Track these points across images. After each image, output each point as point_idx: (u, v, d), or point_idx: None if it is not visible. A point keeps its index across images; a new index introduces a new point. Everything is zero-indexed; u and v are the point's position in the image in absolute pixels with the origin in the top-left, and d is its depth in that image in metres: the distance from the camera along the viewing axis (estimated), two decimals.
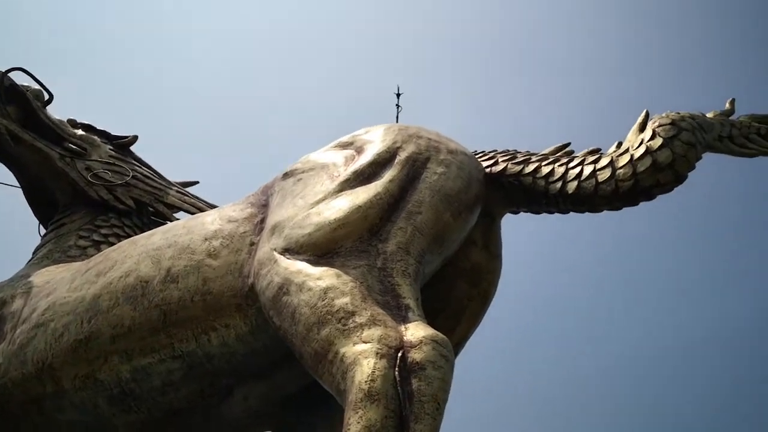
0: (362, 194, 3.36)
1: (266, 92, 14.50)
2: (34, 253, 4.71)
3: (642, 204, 3.57)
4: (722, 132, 3.81)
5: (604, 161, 3.59)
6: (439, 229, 3.40)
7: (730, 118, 3.95)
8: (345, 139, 3.85)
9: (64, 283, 3.89)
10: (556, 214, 3.83)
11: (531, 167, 3.74)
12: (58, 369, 3.56)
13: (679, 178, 3.47)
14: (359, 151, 3.67)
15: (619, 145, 3.68)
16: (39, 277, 4.17)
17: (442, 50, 14.96)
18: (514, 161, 3.82)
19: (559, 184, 3.62)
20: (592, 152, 3.74)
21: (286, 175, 3.74)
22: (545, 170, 3.69)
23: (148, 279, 3.57)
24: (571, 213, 3.75)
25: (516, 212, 4.00)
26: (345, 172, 3.51)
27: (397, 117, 5.60)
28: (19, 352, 3.68)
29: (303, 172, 3.67)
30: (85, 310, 3.61)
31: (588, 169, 3.59)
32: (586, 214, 3.70)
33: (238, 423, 3.73)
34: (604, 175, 3.53)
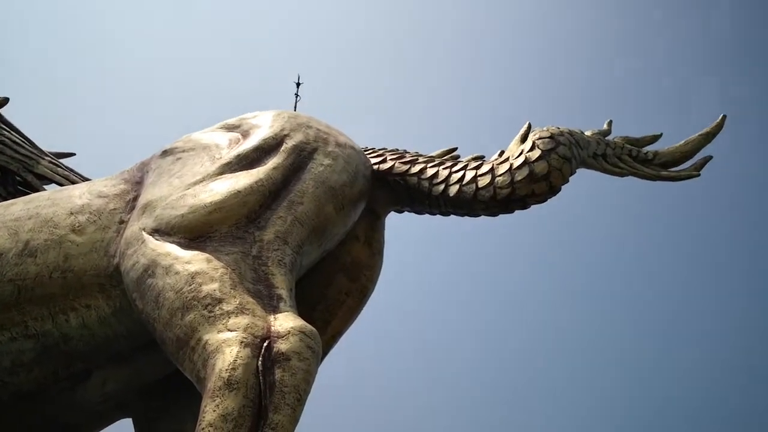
0: (243, 179, 3.28)
1: (161, 75, 13.91)
2: None
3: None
4: (597, 150, 4.03)
5: (485, 168, 3.71)
6: (320, 222, 3.38)
7: (606, 138, 4.20)
8: (232, 121, 3.74)
9: None
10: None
11: (417, 168, 3.80)
12: None
13: (553, 190, 3.64)
14: (245, 135, 3.58)
15: (501, 153, 3.82)
16: None
17: (345, 44, 14.98)
18: (401, 160, 3.87)
19: (441, 187, 3.70)
20: (476, 158, 3.85)
21: (165, 153, 3.58)
22: (430, 172, 3.77)
23: (2, 251, 3.32)
24: (452, 216, 3.86)
25: (400, 211, 4.06)
26: (227, 155, 3.42)
27: (296, 106, 5.52)
28: None
29: (183, 151, 3.53)
30: None
31: (470, 174, 3.70)
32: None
33: (94, 409, 3.53)
34: (484, 181, 3.65)
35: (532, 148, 3.68)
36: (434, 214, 3.89)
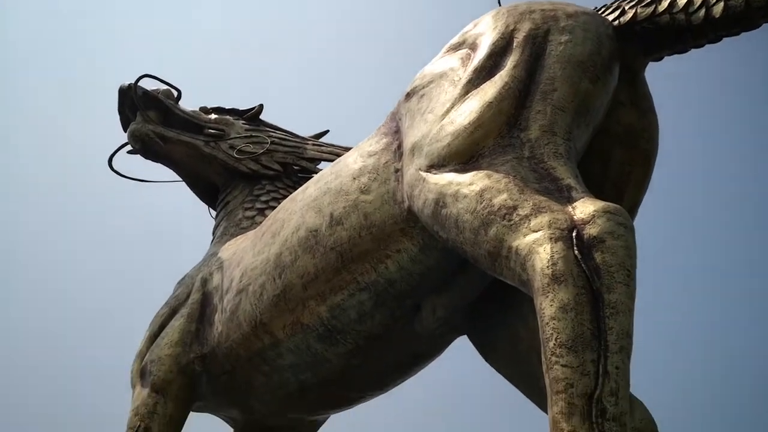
0: (490, 89, 3.27)
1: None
2: (213, 234, 5.24)
3: None
4: None
5: None
6: (580, 101, 3.23)
7: None
8: (455, 40, 3.73)
9: (248, 251, 4.30)
10: None
11: (664, 4, 3.38)
12: (268, 323, 3.99)
13: None
14: (473, 47, 3.54)
15: None
16: (225, 252, 4.67)
17: None
18: (642, 4, 3.47)
19: (702, 12, 3.25)
20: None
21: (408, 96, 3.73)
22: (682, 2, 3.33)
23: (316, 228, 3.82)
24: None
25: (659, 59, 3.67)
26: (465, 74, 3.42)
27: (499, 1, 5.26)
28: (232, 317, 4.18)
29: (423, 87, 3.63)
30: (273, 268, 3.98)
31: None
32: None
33: (433, 334, 3.95)
34: None
35: None
36: (702, 46, 3.44)
